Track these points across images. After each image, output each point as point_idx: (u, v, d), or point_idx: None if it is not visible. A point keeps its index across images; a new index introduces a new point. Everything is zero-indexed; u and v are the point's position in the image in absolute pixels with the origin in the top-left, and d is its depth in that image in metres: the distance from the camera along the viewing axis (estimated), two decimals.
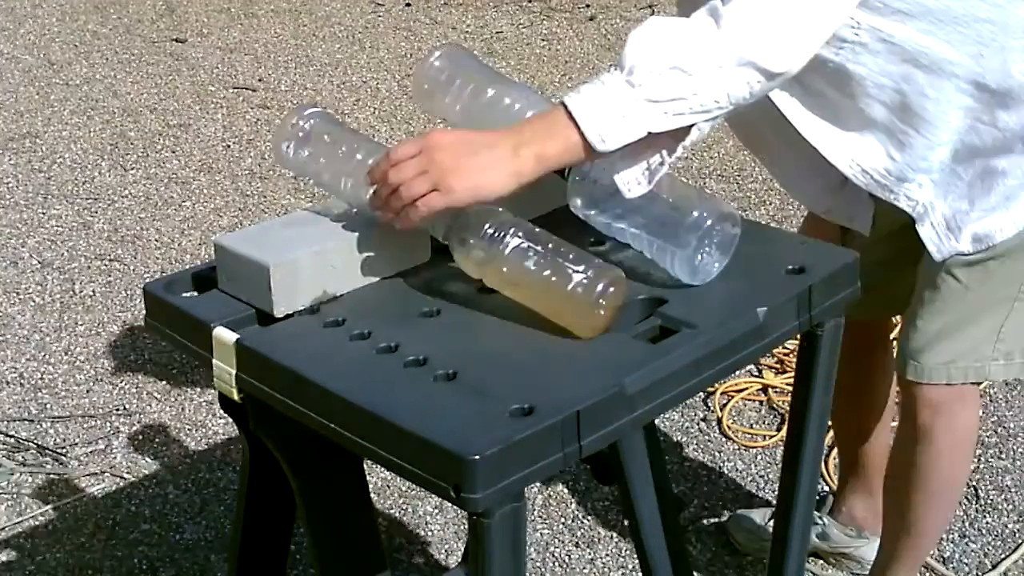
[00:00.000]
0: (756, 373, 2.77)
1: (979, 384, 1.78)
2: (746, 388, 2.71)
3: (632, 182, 1.31)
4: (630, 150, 1.29)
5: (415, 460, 1.10)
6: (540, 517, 2.33)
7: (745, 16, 1.26)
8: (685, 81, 1.25)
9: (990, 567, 2.18)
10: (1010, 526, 2.29)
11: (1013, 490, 2.38)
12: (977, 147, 1.57)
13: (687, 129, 1.29)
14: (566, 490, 2.40)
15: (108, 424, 2.65)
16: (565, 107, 1.27)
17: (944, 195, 1.61)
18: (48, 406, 2.72)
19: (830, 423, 2.43)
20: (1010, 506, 2.33)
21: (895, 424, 1.95)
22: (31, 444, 2.58)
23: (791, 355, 2.75)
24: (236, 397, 1.30)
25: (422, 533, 2.30)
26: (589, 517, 2.33)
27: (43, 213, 3.70)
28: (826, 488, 2.32)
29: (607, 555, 2.23)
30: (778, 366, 2.79)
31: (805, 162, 1.64)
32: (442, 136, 1.28)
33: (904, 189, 1.60)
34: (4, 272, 3.34)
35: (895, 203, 1.62)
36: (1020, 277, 1.68)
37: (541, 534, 2.28)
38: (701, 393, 2.66)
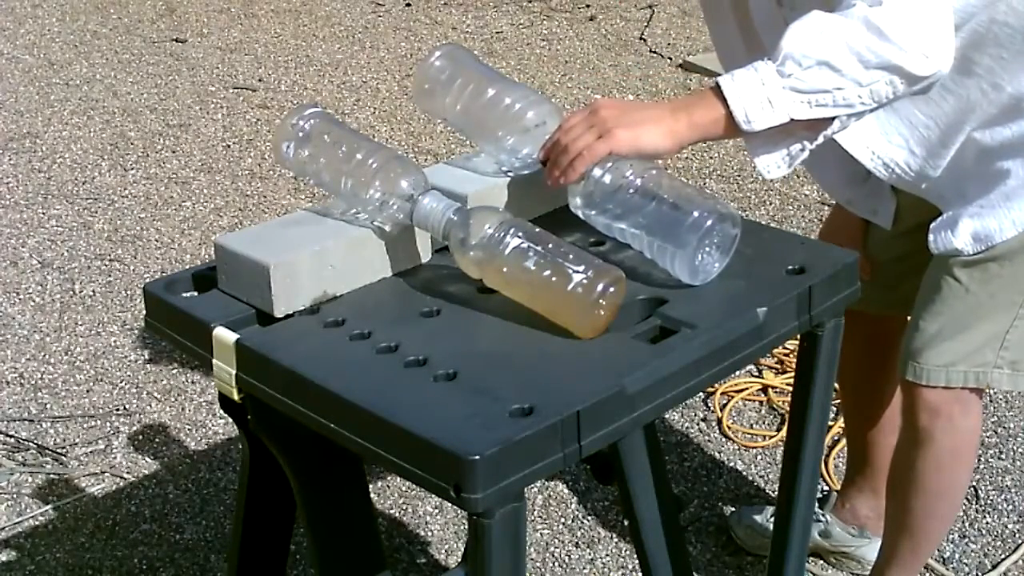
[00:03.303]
0: (756, 373, 2.77)
1: (981, 391, 1.77)
2: (746, 388, 2.71)
3: (772, 165, 1.39)
4: (772, 134, 1.36)
5: (415, 460, 1.10)
6: (540, 517, 2.33)
7: (897, 22, 1.33)
8: (831, 77, 1.33)
9: (990, 567, 2.18)
10: (1010, 526, 2.28)
11: (1013, 490, 2.38)
12: (986, 146, 1.58)
13: (829, 120, 1.36)
14: (566, 490, 2.40)
15: (108, 424, 2.65)
16: (718, 85, 1.35)
17: (947, 188, 1.62)
18: (48, 406, 2.72)
19: (836, 422, 2.44)
20: (1010, 506, 2.33)
21: None
22: (31, 444, 2.58)
23: (791, 355, 2.75)
24: (236, 397, 1.30)
25: (422, 533, 2.30)
26: (589, 517, 2.33)
27: (43, 213, 3.70)
28: (826, 488, 2.32)
29: (607, 555, 2.23)
30: (778, 366, 2.79)
31: (832, 151, 1.65)
32: (607, 100, 1.38)
33: (925, 182, 1.63)
34: (4, 272, 3.34)
35: (925, 196, 1.64)
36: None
37: (541, 534, 2.28)
38: (701, 393, 2.66)
